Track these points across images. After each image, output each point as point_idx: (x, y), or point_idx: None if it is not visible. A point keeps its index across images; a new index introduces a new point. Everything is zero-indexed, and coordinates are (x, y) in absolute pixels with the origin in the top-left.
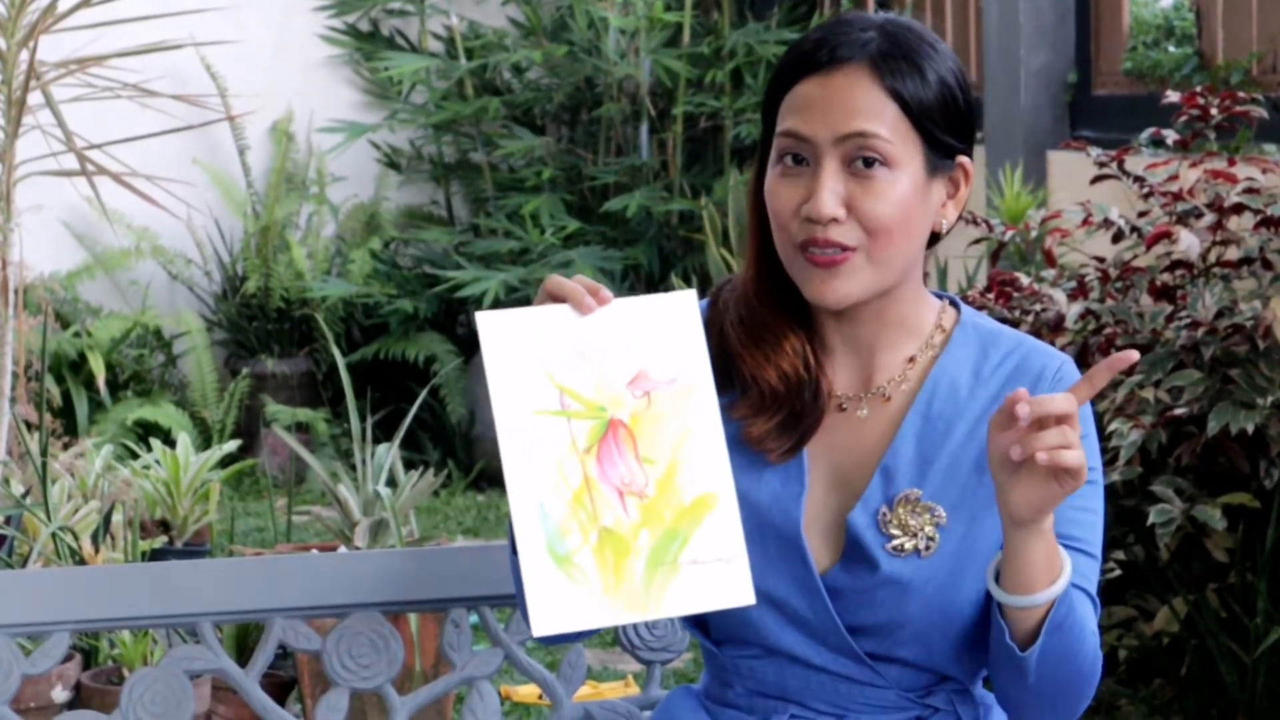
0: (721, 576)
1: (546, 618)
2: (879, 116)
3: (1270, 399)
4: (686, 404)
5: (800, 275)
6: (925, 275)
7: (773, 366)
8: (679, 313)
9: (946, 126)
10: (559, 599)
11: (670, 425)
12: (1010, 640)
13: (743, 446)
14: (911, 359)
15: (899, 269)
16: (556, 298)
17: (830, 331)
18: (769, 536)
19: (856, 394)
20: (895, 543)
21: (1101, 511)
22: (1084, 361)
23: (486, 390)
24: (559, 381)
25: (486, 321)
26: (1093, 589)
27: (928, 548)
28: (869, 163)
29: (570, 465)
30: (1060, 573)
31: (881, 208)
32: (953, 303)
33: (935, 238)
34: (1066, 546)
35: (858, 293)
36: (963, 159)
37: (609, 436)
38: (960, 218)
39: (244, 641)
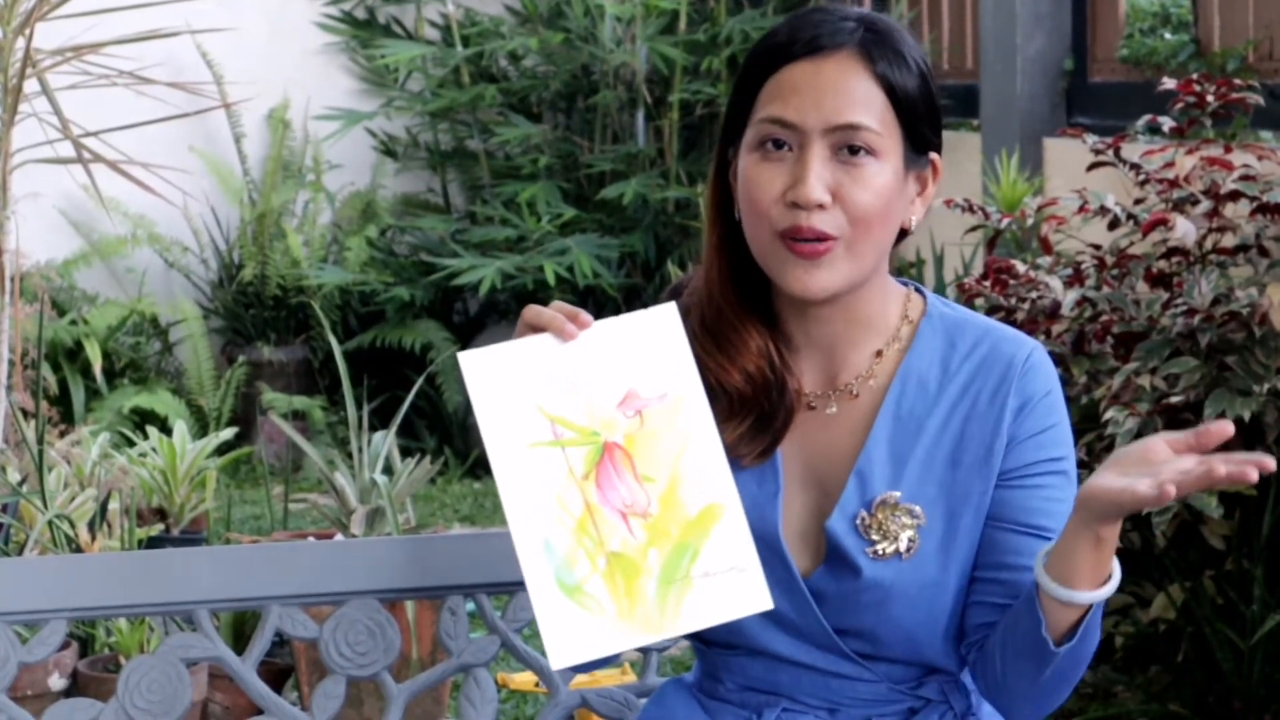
0: (736, 585)
1: (564, 651)
2: (869, 106)
3: (1267, 386)
4: (679, 417)
5: (779, 266)
6: (915, 266)
7: (737, 370)
8: (661, 327)
9: (926, 119)
10: (574, 630)
11: (666, 440)
12: (1045, 633)
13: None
14: (879, 353)
15: (873, 260)
16: (536, 328)
17: (795, 329)
18: None
19: (825, 391)
20: (876, 547)
21: (1072, 500)
22: (1081, 349)
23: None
24: (549, 411)
25: (469, 361)
26: None
27: (909, 549)
28: (855, 150)
29: (570, 494)
30: (1108, 581)
31: (867, 197)
32: (918, 290)
33: (902, 234)
34: (1040, 537)
35: (837, 284)
36: (934, 156)
37: (605, 460)
38: (949, 198)
39: (241, 629)
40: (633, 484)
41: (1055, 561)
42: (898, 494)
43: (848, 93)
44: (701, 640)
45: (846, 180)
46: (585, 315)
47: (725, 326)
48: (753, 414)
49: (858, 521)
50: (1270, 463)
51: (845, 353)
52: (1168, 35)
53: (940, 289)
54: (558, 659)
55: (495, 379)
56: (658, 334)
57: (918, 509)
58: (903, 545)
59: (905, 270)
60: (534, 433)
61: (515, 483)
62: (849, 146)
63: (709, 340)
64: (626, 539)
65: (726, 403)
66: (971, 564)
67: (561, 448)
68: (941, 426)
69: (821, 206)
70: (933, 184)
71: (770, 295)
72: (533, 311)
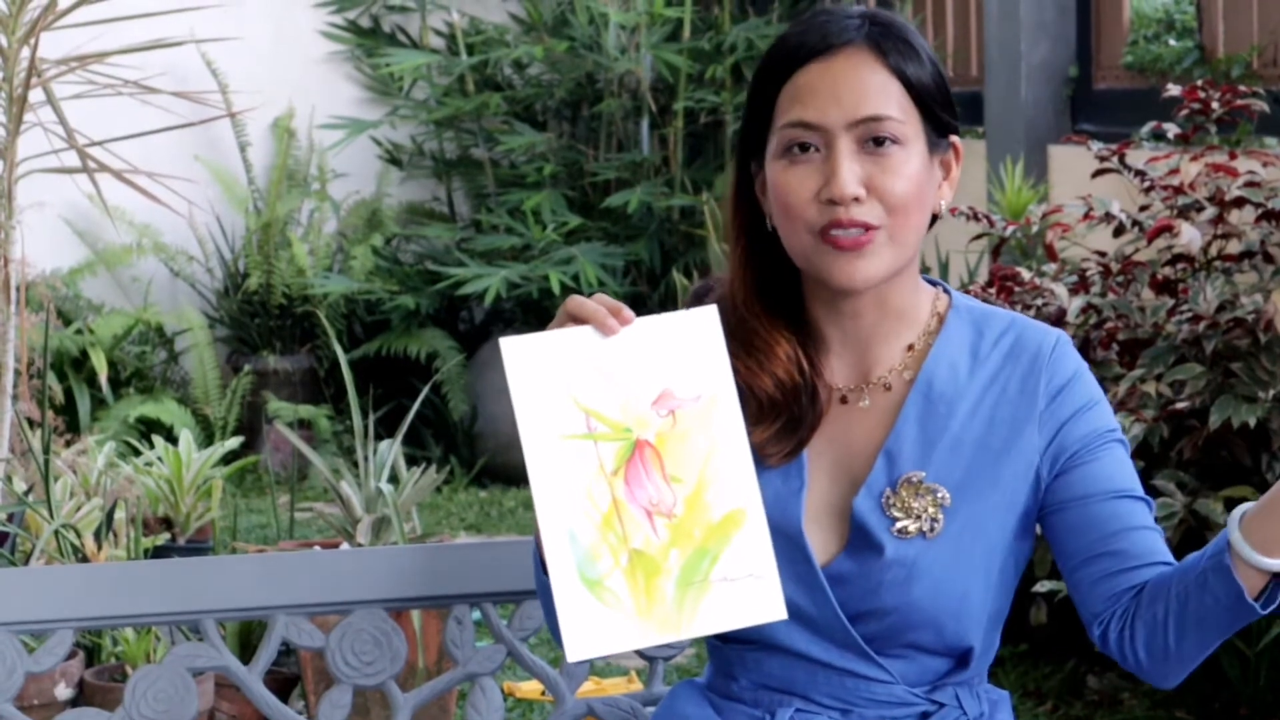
0: (753, 592)
1: (581, 642)
2: (887, 96)
3: (1272, 392)
4: (711, 420)
5: (822, 261)
6: (920, 273)
7: (767, 375)
8: (701, 329)
9: (941, 103)
10: (592, 623)
11: (696, 443)
12: (1249, 599)
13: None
14: (910, 347)
15: (912, 247)
16: (578, 319)
17: (827, 326)
18: (770, 534)
19: (858, 385)
20: (900, 525)
21: (1133, 467)
22: (1086, 356)
23: (489, 387)
24: (584, 404)
25: (511, 347)
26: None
27: (932, 529)
28: (880, 141)
29: (598, 488)
30: None
31: (900, 184)
32: (945, 290)
33: (932, 220)
34: (1131, 497)
35: (882, 273)
36: (954, 139)
37: (636, 457)
38: (954, 206)
39: (247, 639)
40: (660, 483)
41: (1255, 530)
42: (922, 474)
43: (864, 85)
44: (717, 637)
45: (877, 171)
46: (628, 311)
47: (753, 335)
48: (783, 417)
49: (883, 499)
50: None
51: (878, 348)
52: (1172, 42)
53: None
54: (574, 650)
55: (534, 367)
56: (697, 335)
57: (942, 490)
58: (926, 525)
59: None
60: (568, 424)
61: (546, 472)
62: (874, 138)
63: (739, 346)
64: (649, 538)
65: (756, 406)
66: (997, 548)
67: (594, 441)
68: (971, 411)
69: (857, 200)
70: (956, 167)
71: (799, 298)
72: (575, 302)
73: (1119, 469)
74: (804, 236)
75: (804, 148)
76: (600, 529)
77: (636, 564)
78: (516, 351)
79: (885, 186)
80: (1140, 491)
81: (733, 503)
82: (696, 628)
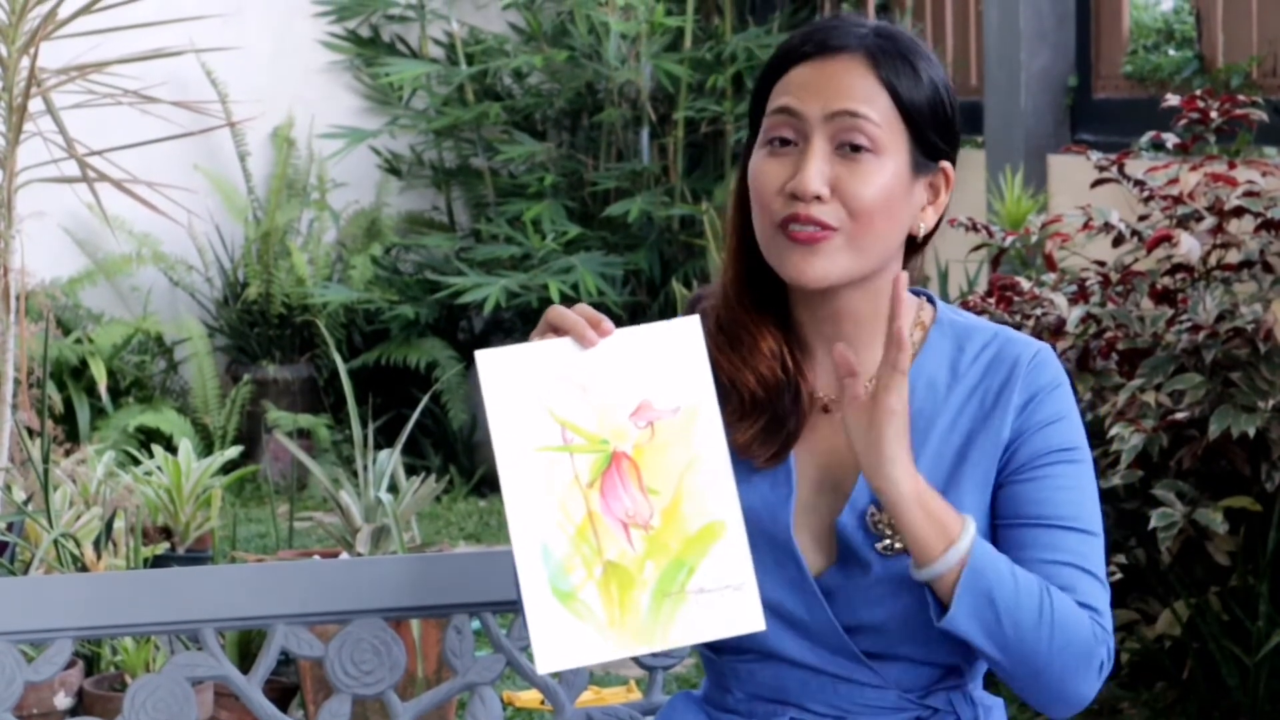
0: (730, 604)
1: (552, 654)
2: (871, 101)
3: (1271, 402)
4: (691, 432)
5: (778, 254)
6: (926, 279)
7: (750, 370)
8: (682, 340)
9: (934, 127)
10: (564, 635)
11: (675, 454)
12: (934, 615)
13: (729, 454)
14: None
15: (876, 257)
16: (558, 329)
17: (809, 332)
18: (760, 541)
19: (840, 395)
20: (885, 543)
21: (1092, 490)
22: (1086, 365)
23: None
24: (560, 416)
25: (486, 360)
26: (1090, 565)
27: None
28: (856, 148)
29: (573, 500)
30: (954, 539)
31: (866, 190)
32: (930, 300)
33: (914, 244)
34: (1047, 526)
35: (835, 274)
36: (945, 164)
37: (612, 469)
38: (939, 224)
39: (246, 648)
40: (637, 495)
41: (910, 550)
42: None
43: (849, 86)
44: (710, 649)
45: (845, 174)
46: (608, 323)
47: (739, 329)
48: (765, 415)
49: (867, 517)
50: None
51: (859, 355)
52: (1172, 51)
53: None
54: (545, 663)
55: (510, 379)
56: (677, 347)
57: None
58: None
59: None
60: (543, 436)
61: (520, 484)
62: (850, 145)
63: (724, 340)
64: (625, 549)
65: (739, 402)
66: None
67: (569, 453)
68: (950, 426)
69: (820, 199)
70: (945, 192)
71: (786, 299)
72: (556, 313)
73: (1055, 493)
74: (766, 227)
75: (784, 142)
76: (574, 541)
77: (611, 576)
78: (492, 364)
79: (851, 190)
80: (1073, 519)
81: (711, 515)
82: (673, 639)
